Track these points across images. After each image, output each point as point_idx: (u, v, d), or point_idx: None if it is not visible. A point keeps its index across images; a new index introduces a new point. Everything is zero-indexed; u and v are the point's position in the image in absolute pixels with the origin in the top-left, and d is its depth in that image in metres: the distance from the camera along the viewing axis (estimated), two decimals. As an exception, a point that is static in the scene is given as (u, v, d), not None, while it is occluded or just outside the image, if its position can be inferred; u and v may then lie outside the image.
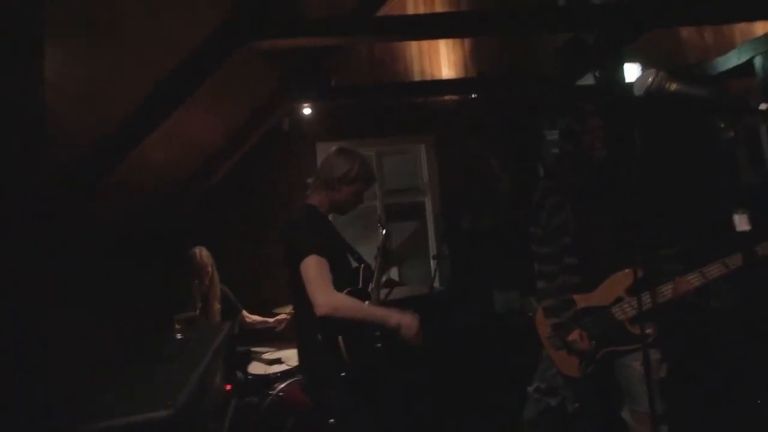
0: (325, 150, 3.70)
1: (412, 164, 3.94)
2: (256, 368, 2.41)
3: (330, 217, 1.66)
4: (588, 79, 3.39)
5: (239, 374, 2.42)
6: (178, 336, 1.17)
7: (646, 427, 1.45)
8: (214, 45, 2.15)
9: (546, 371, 1.75)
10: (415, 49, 3.85)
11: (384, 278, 2.01)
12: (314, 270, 1.33)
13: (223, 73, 2.36)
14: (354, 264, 1.67)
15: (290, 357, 2.51)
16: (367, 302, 1.55)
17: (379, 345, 1.54)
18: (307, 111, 3.53)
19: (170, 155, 2.65)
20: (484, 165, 3.81)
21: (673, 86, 0.72)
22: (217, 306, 2.33)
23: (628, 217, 1.50)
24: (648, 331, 1.39)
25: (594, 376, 1.57)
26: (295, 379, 2.26)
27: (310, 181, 1.63)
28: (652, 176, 2.40)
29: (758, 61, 3.07)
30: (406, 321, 1.38)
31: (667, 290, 1.47)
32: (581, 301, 1.59)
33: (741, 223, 0.98)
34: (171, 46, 1.97)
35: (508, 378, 2.25)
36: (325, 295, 1.31)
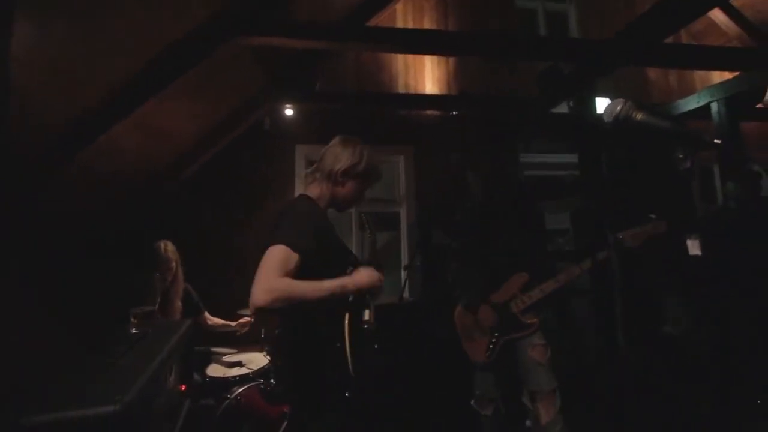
0: (305, 152, 3.72)
1: (390, 175, 3.98)
2: (214, 370, 2.34)
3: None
4: (563, 108, 3.56)
5: (196, 376, 2.34)
6: (134, 330, 1.12)
7: (542, 404, 1.74)
8: (198, 39, 2.12)
9: (479, 381, 1.98)
10: (401, 62, 3.93)
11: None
12: (272, 259, 1.11)
13: (206, 67, 2.33)
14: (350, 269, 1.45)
15: (251, 360, 2.45)
16: (366, 310, 1.39)
17: (376, 346, 1.42)
18: (289, 112, 3.51)
19: (142, 145, 2.57)
20: (460, 180, 3.89)
21: (639, 116, 0.78)
22: (178, 304, 2.25)
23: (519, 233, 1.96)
24: (534, 320, 1.83)
25: (502, 367, 1.89)
26: (255, 383, 2.21)
27: (308, 171, 1.46)
28: (615, 201, 2.57)
29: (715, 107, 3.33)
30: (363, 279, 1.28)
31: (546, 287, 1.84)
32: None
33: (693, 247, 1.06)
34: (153, 35, 1.93)
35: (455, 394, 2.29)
36: (261, 281, 1.08)
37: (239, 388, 2.16)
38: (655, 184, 2.93)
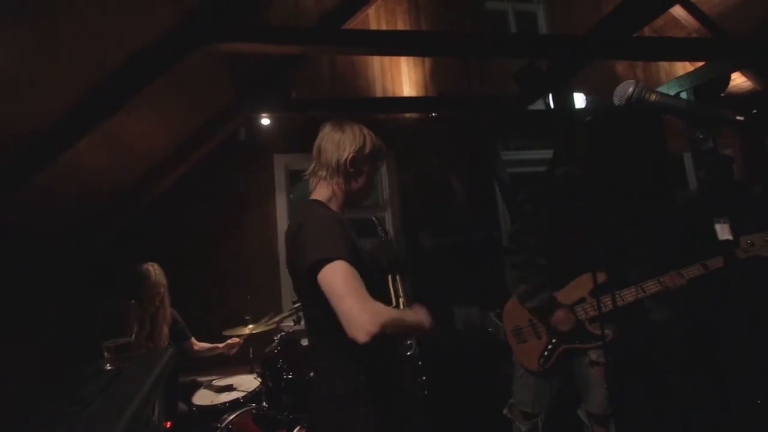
0: (284, 161, 3.60)
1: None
2: (201, 398, 2.18)
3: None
4: (539, 105, 3.60)
5: (182, 405, 2.18)
6: (107, 367, 0.99)
7: (598, 428, 1.55)
8: (167, 45, 2.00)
9: (520, 389, 1.75)
10: (377, 66, 3.89)
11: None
12: (343, 280, 0.94)
13: (176, 76, 2.21)
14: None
15: (242, 383, 2.31)
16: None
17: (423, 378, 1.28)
18: (265, 121, 3.40)
19: (109, 162, 2.41)
20: (443, 182, 3.87)
21: (653, 97, 0.74)
22: (165, 330, 2.09)
23: (595, 227, 1.61)
24: (606, 331, 1.50)
25: (552, 378, 1.63)
26: (246, 408, 2.07)
27: (306, 174, 1.25)
28: (612, 191, 2.56)
29: (684, 96, 3.44)
30: (430, 320, 1.13)
31: (627, 294, 1.54)
32: None
33: (722, 231, 1.03)
34: (118, 41, 1.80)
35: (471, 394, 2.21)
36: (365, 311, 0.91)
37: (230, 414, 2.01)
38: (644, 174, 2.97)
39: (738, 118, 0.69)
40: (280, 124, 3.50)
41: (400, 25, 3.97)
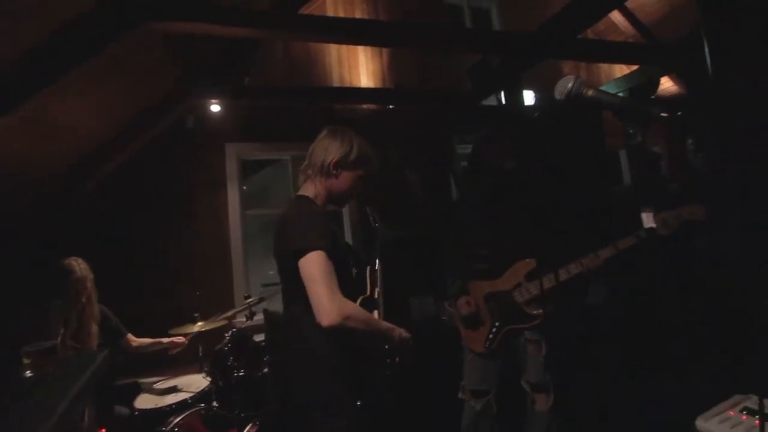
0: (235, 151, 3.45)
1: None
2: (144, 401, 2.06)
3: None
4: (492, 100, 3.72)
5: (120, 409, 2.04)
6: (28, 374, 0.90)
7: (538, 396, 1.73)
8: (96, 22, 1.83)
9: (471, 371, 1.85)
10: (334, 55, 3.81)
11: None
12: (319, 269, 1.11)
13: (113, 56, 2.03)
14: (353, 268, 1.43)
15: (189, 384, 2.20)
16: (375, 312, 1.38)
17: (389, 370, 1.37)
18: (215, 109, 3.22)
19: (35, 147, 2.18)
20: (400, 175, 3.89)
21: (590, 92, 0.79)
22: (94, 328, 1.93)
23: (528, 217, 1.79)
24: (540, 311, 1.70)
25: (497, 357, 1.78)
26: (195, 409, 1.98)
27: (300, 169, 1.38)
28: (549, 183, 2.71)
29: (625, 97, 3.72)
30: (405, 336, 1.28)
31: (555, 277, 1.69)
32: (486, 287, 1.81)
33: (648, 220, 1.12)
34: (39, 16, 1.61)
35: (427, 384, 2.27)
36: (332, 301, 1.09)
37: (176, 417, 1.91)
38: (582, 168, 3.16)
39: (662, 114, 0.75)
40: (231, 112, 3.33)
41: (358, 15, 3.91)
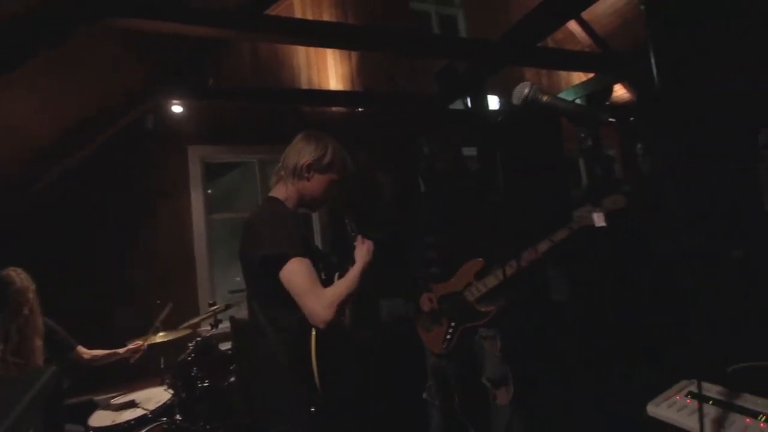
0: (199, 154, 3.34)
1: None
2: (100, 419, 1.94)
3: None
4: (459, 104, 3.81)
5: (76, 428, 1.92)
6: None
7: (498, 391, 1.78)
8: (47, 18, 1.72)
9: (432, 372, 1.90)
10: (302, 58, 3.78)
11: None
12: (302, 279, 1.11)
13: (64, 53, 1.92)
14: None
15: (150, 397, 2.10)
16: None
17: (354, 369, 1.33)
18: (177, 109, 3.11)
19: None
20: (370, 178, 3.90)
21: (545, 98, 0.83)
22: (38, 343, 1.79)
23: (477, 219, 1.86)
24: (490, 308, 1.76)
25: (456, 357, 1.82)
26: (156, 424, 1.89)
27: (274, 172, 1.37)
28: (509, 186, 2.80)
29: (578, 102, 3.91)
30: (369, 257, 1.29)
31: (500, 273, 1.77)
32: (441, 289, 1.86)
33: (599, 219, 1.19)
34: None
35: (397, 385, 2.28)
36: (323, 306, 1.09)
37: (136, 433, 1.82)
38: (546, 171, 3.29)
39: (610, 120, 0.80)
40: (195, 114, 3.23)
41: (326, 17, 3.90)
